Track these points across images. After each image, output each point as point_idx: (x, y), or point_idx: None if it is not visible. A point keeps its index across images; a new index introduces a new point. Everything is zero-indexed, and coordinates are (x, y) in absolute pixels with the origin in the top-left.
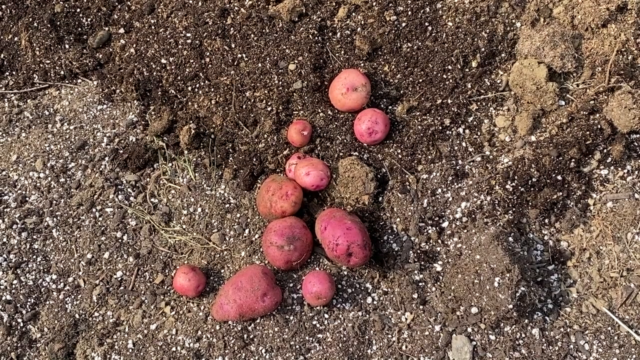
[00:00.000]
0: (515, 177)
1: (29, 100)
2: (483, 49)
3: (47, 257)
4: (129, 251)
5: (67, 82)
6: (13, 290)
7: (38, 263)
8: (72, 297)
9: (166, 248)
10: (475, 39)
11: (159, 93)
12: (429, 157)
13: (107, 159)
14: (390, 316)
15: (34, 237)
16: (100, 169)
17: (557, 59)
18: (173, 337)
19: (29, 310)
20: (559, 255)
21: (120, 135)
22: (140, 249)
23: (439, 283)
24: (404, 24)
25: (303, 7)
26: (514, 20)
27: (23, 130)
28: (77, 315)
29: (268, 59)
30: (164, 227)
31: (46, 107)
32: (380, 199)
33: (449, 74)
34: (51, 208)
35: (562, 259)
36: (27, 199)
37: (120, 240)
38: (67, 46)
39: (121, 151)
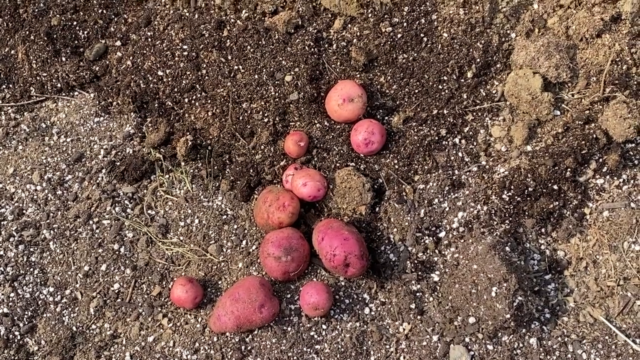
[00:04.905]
0: (512, 187)
1: (26, 112)
2: (478, 60)
3: (44, 269)
4: (126, 263)
5: (64, 94)
6: (10, 303)
7: (35, 276)
8: (70, 309)
9: (163, 260)
10: (471, 50)
11: (156, 105)
12: (426, 167)
13: (104, 171)
14: (388, 327)
15: (31, 249)
16: (97, 181)
17: (552, 69)
18: (170, 349)
19: (26, 323)
20: (555, 265)
21: (117, 147)
22: (137, 261)
23: (436, 293)
24: (399, 35)
25: (299, 19)
26: (508, 31)
27: (20, 143)
28: (74, 328)
29: (264, 70)
30: (161, 238)
31: (43, 120)
32: (377, 209)
33: (444, 84)
34: (48, 220)
35: (559, 268)
36: (24, 211)
37: (117, 253)
38: (63, 59)
39: (118, 163)
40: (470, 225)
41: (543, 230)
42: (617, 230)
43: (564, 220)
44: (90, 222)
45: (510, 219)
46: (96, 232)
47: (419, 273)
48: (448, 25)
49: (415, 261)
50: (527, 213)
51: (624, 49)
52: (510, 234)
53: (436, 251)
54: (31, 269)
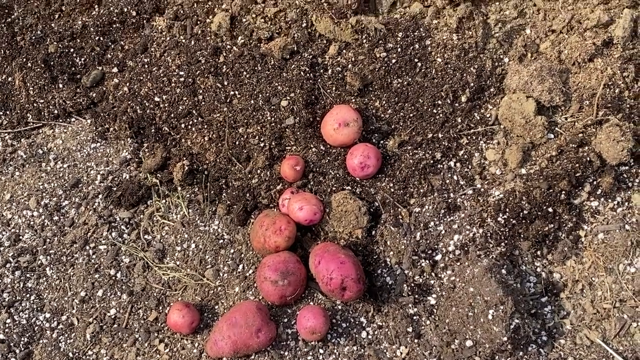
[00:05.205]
0: (507, 210)
1: (23, 139)
2: (472, 84)
3: (40, 295)
4: (123, 288)
5: (60, 121)
6: (6, 330)
7: (31, 302)
8: (66, 335)
9: (160, 285)
10: (464, 75)
11: (153, 130)
12: (421, 190)
13: (100, 196)
14: (385, 350)
15: (28, 275)
16: (94, 207)
17: (545, 93)
18: None
19: (23, 349)
20: (552, 287)
21: (114, 173)
22: (133, 286)
23: (433, 316)
24: (393, 61)
25: (294, 44)
26: (501, 56)
27: (17, 169)
28: (70, 354)
29: (260, 95)
30: (157, 263)
31: (40, 146)
32: (374, 232)
33: (439, 108)
34: (45, 246)
35: (555, 290)
36: (20, 237)
37: (113, 278)
38: (60, 85)
39: (115, 188)
40: (466, 248)
41: (539, 252)
42: (612, 253)
43: (560, 242)
44: (87, 247)
45: (506, 241)
46: (92, 258)
47: (416, 296)
48: (442, 51)
49: (412, 284)
50: (522, 236)
51: (616, 73)
52: (506, 257)
53: (432, 274)
54: (27, 295)
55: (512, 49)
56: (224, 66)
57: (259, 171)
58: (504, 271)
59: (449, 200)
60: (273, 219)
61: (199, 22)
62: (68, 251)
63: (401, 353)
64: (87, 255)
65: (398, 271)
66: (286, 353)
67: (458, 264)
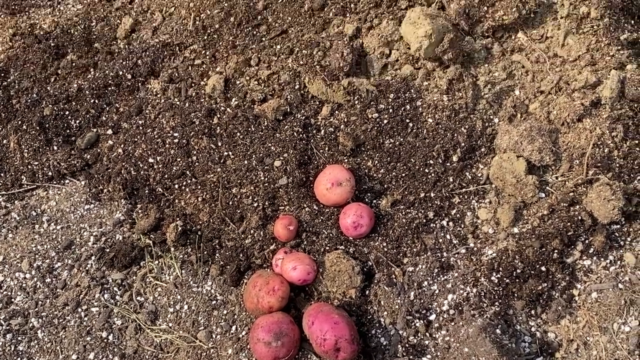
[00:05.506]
0: (500, 269)
1: (17, 201)
2: (463, 144)
3: (31, 359)
4: (115, 351)
5: (55, 182)
6: None
7: None
8: None
9: (152, 347)
10: (455, 135)
11: (146, 191)
12: (414, 249)
13: (93, 258)
14: None
15: (19, 338)
16: (87, 268)
17: (536, 152)
18: None
19: None
20: (547, 347)
21: (107, 234)
22: (125, 348)
23: None
24: (385, 121)
25: (287, 106)
26: (492, 116)
27: (10, 231)
28: None
29: (254, 156)
30: (150, 325)
31: (33, 208)
32: (367, 292)
33: (430, 168)
34: (37, 309)
35: (550, 350)
36: (12, 300)
37: (105, 340)
38: (55, 147)
39: (108, 250)
40: (460, 308)
41: (533, 312)
42: (606, 312)
43: (553, 301)
44: (79, 309)
45: (500, 300)
46: (85, 320)
47: (410, 357)
48: (432, 111)
49: (407, 345)
50: (516, 295)
51: (605, 133)
52: (501, 316)
53: (427, 334)
54: (18, 359)
55: (501, 109)
56: (218, 127)
57: (252, 231)
58: (498, 331)
59: (443, 260)
60: (266, 279)
61: (193, 85)
62: (60, 313)
63: None
64: (79, 318)
65: (392, 331)
66: None
67: (452, 323)
